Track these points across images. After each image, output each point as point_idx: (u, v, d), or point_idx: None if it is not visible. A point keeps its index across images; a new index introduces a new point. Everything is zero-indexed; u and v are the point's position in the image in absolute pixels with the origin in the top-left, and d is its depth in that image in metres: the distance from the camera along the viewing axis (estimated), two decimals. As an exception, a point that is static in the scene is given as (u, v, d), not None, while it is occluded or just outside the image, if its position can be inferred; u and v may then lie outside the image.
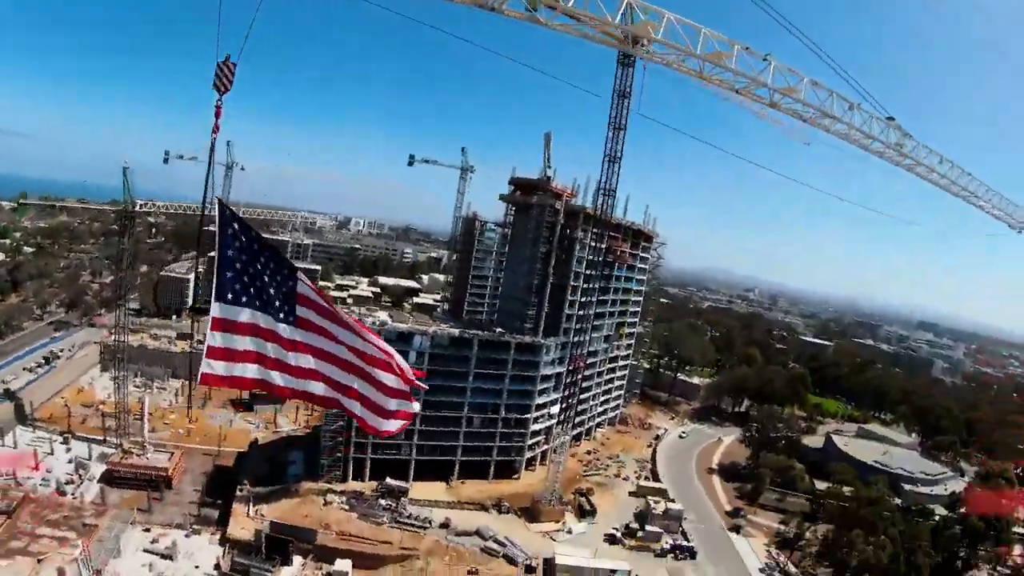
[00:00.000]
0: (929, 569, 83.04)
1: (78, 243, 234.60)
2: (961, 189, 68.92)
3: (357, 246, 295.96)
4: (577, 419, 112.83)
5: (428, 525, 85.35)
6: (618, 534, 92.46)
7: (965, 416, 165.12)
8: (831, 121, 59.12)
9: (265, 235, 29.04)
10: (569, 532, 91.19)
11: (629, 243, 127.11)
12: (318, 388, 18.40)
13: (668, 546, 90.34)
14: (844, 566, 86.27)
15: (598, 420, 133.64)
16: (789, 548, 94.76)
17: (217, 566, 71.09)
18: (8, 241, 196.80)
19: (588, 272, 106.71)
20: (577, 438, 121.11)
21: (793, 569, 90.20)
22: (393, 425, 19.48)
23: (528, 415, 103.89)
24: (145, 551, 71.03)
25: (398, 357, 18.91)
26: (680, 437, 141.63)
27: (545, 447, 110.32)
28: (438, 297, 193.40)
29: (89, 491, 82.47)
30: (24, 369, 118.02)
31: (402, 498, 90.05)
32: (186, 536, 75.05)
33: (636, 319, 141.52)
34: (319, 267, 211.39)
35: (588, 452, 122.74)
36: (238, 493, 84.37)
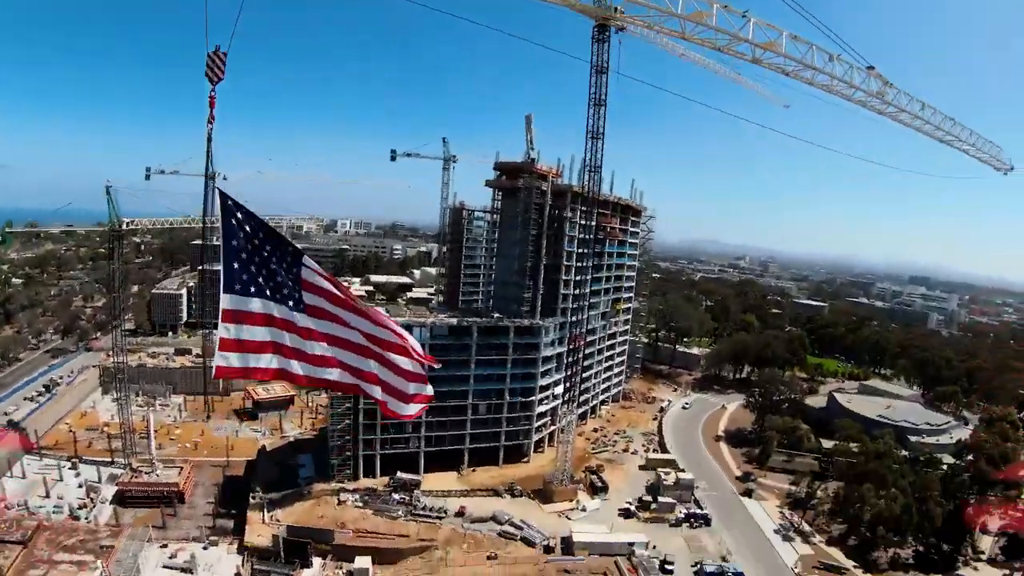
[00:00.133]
0: (941, 518, 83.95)
1: (67, 269, 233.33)
2: (945, 134, 69.51)
3: (346, 247, 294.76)
4: (581, 397, 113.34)
5: (443, 515, 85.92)
6: (632, 508, 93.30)
7: (964, 365, 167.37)
8: (813, 73, 59.65)
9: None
10: (583, 510, 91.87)
11: (618, 218, 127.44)
12: (335, 374, 18.49)
13: (682, 515, 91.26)
14: (857, 520, 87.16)
15: (602, 397, 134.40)
16: (802, 508, 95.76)
17: (238, 575, 71.45)
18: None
19: (580, 251, 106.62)
20: (583, 417, 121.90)
21: (807, 528, 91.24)
22: (413, 409, 19.64)
23: (533, 397, 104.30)
24: (164, 567, 71.46)
25: (411, 339, 18.96)
26: (684, 408, 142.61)
27: (552, 428, 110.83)
28: (431, 291, 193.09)
29: (102, 513, 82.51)
30: (25, 399, 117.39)
31: (415, 491, 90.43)
32: (204, 548, 75.35)
33: (631, 294, 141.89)
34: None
35: (595, 430, 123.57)
36: (251, 501, 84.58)
